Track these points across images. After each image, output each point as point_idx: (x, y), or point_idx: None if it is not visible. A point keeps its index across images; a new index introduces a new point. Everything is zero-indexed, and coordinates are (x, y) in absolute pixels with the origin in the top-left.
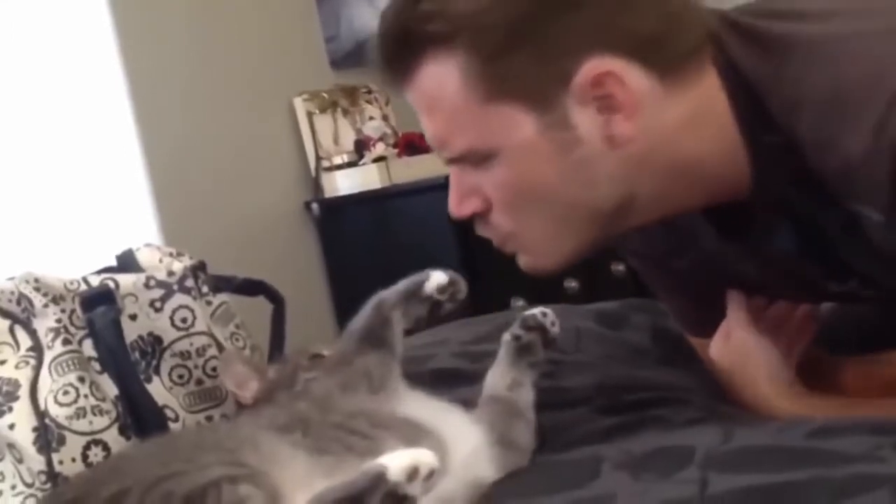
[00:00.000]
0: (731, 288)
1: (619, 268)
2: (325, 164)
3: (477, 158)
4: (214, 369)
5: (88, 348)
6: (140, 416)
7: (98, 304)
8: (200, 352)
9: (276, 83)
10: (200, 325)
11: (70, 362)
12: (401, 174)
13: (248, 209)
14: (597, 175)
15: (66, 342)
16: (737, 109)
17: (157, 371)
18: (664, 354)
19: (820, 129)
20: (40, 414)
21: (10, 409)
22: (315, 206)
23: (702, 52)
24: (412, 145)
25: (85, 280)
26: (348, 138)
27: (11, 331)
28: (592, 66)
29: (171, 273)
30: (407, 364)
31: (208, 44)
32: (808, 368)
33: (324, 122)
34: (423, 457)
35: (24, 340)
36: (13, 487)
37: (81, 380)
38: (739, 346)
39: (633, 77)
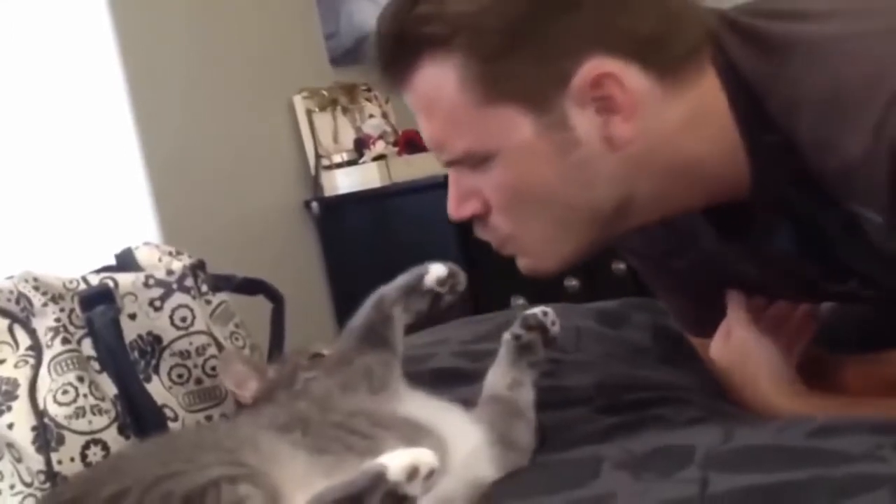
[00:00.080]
0: (731, 288)
1: (619, 266)
2: (325, 162)
3: (475, 161)
4: (214, 368)
5: (87, 347)
6: (139, 416)
7: (97, 303)
8: (200, 351)
9: (276, 80)
10: (200, 325)
11: (69, 361)
12: (401, 172)
13: (248, 208)
14: (596, 176)
15: (65, 341)
16: (736, 109)
17: (157, 370)
18: (665, 353)
19: (819, 130)
20: (39, 413)
21: (9, 408)
22: (315, 204)
23: (701, 52)
24: (412, 143)
25: (84, 279)
26: (348, 136)
27: (10, 330)
28: (591, 68)
29: (170, 272)
30: (407, 363)
31: (207, 40)
32: (808, 368)
33: (323, 120)
34: (422, 456)
35: (23, 339)
36: (12, 487)
37: (80, 379)
38: (739, 346)
39: (632, 78)
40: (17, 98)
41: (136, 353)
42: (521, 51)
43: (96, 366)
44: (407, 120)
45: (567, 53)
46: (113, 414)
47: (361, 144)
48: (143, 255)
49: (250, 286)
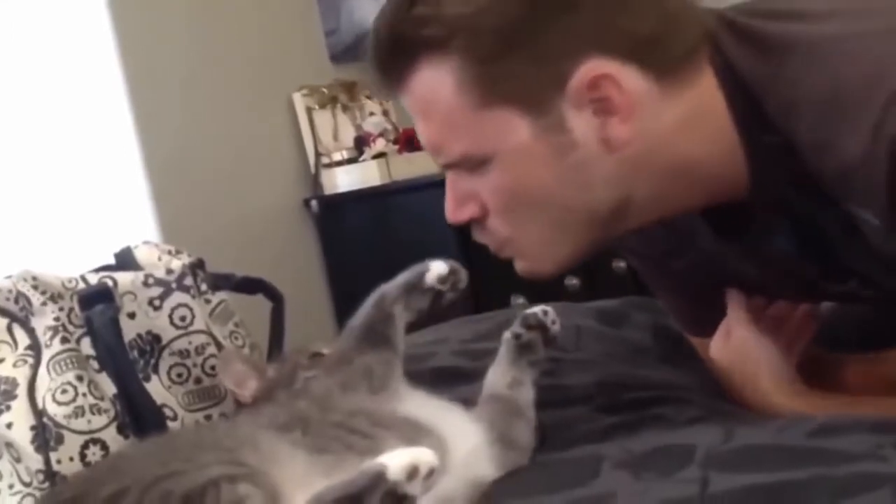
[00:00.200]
0: (731, 288)
1: (619, 265)
2: (325, 160)
3: (472, 164)
4: (213, 368)
5: (87, 347)
6: (138, 415)
7: (96, 302)
8: (199, 350)
9: (276, 78)
10: (199, 324)
11: (68, 361)
12: (401, 171)
13: (247, 206)
14: (593, 178)
15: (64, 340)
16: (734, 110)
17: (156, 370)
18: (665, 353)
19: (818, 130)
20: (38, 413)
21: (8, 407)
22: (314, 203)
23: (699, 52)
24: (413, 141)
25: (83, 278)
26: (348, 134)
27: (9, 329)
28: (588, 69)
29: (169, 271)
30: (407, 362)
31: (206, 37)
32: (808, 367)
33: (323, 118)
34: (422, 456)
35: (22, 339)
36: (11, 487)
37: (80, 378)
38: (739, 345)
39: (629, 79)
40: (16, 98)
41: (135, 353)
42: (518, 53)
43: (95, 365)
44: (407, 118)
45: (564, 55)
46: (112, 413)
47: (361, 142)
48: (142, 254)
49: (250, 285)
